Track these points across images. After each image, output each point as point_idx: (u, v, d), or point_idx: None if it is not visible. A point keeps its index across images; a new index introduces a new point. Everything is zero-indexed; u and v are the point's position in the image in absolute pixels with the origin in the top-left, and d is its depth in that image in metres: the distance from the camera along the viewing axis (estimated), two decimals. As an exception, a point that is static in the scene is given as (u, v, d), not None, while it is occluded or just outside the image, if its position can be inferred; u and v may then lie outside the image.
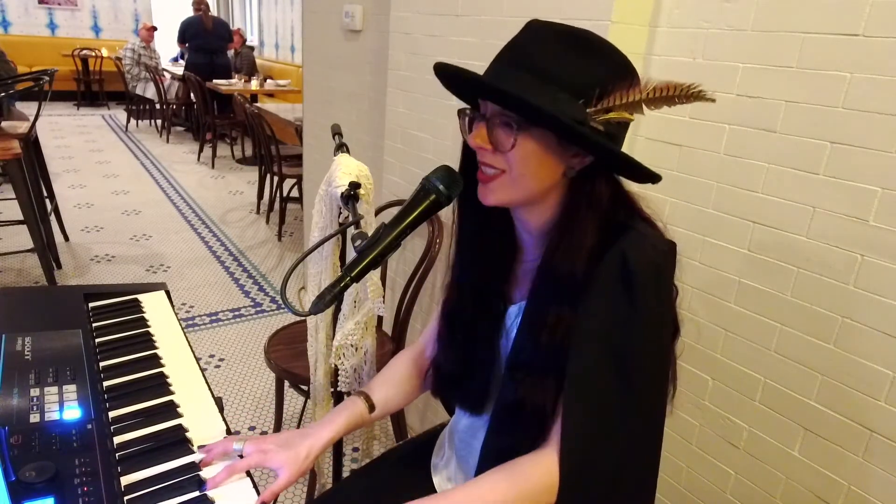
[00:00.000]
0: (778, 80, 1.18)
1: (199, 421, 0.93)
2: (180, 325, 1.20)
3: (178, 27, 6.81)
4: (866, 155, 1.07)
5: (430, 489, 1.05)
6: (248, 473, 0.84)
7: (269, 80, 6.72)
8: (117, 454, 0.82)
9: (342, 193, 1.04)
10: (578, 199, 0.77)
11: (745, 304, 1.30)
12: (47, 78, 2.77)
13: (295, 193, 4.12)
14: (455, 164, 0.85)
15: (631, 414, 0.77)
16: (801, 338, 1.21)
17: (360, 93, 2.40)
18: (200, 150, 6.21)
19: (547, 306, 0.79)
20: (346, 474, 1.20)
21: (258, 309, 3.08)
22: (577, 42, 0.74)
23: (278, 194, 4.10)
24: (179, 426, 0.90)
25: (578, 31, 0.74)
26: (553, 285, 0.78)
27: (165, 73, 7.20)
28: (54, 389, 0.91)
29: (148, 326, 1.17)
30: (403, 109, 1.99)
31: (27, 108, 3.33)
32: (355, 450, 2.13)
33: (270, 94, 6.73)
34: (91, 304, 1.23)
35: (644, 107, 0.74)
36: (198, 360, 1.10)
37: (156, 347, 1.11)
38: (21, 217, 2.80)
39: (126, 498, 0.76)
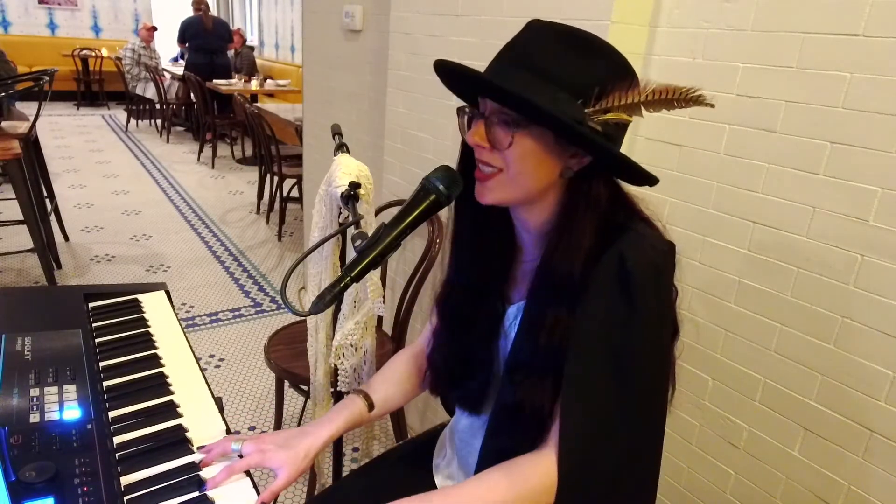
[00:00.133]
0: (778, 80, 1.18)
1: (199, 421, 0.93)
2: (180, 325, 1.20)
3: (178, 27, 6.81)
4: (866, 155, 1.07)
5: (431, 489, 1.04)
6: (248, 473, 0.84)
7: (269, 80, 6.72)
8: (117, 454, 0.82)
9: (342, 193, 1.04)
10: (576, 199, 0.77)
11: (745, 304, 1.30)
12: (47, 78, 2.77)
13: (295, 193, 4.12)
14: (454, 164, 0.85)
15: (630, 414, 0.77)
16: (801, 338, 1.21)
17: (360, 93, 2.40)
18: (200, 150, 6.21)
19: (546, 307, 0.79)
20: (345, 474, 1.20)
21: (258, 309, 3.08)
22: (577, 42, 0.74)
23: (278, 194, 4.10)
24: (179, 426, 0.90)
25: (578, 32, 0.74)
26: (552, 286, 0.78)
27: (165, 73, 7.20)
28: (54, 389, 0.91)
29: (148, 326, 1.17)
30: (403, 109, 1.99)
31: (27, 108, 3.33)
32: (355, 450, 2.13)
33: (270, 94, 6.73)
34: (91, 304, 1.22)
35: (643, 109, 0.74)
36: (198, 360, 1.10)
37: (156, 347, 1.11)
38: (21, 217, 2.80)
39: (126, 498, 0.76)
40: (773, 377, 1.27)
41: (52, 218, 3.47)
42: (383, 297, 1.23)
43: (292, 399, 2.34)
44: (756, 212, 1.25)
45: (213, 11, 8.04)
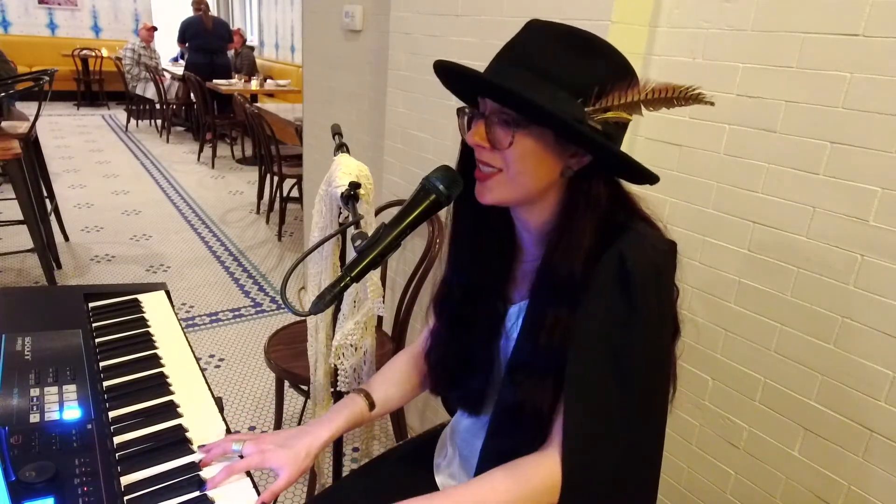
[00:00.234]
0: (778, 80, 1.18)
1: (199, 421, 0.93)
2: (180, 325, 1.20)
3: (178, 27, 6.81)
4: (866, 155, 1.07)
5: (431, 489, 1.04)
6: (248, 473, 0.84)
7: (269, 80, 6.72)
8: (117, 454, 0.82)
9: (342, 193, 1.04)
10: (576, 199, 0.77)
11: (745, 304, 1.30)
12: (47, 78, 2.77)
13: (295, 193, 4.12)
14: (455, 165, 0.85)
15: (631, 414, 0.77)
16: (801, 338, 1.21)
17: (360, 93, 2.40)
18: (200, 150, 6.21)
19: (548, 307, 0.79)
20: (345, 474, 1.20)
21: (258, 309, 3.08)
22: (576, 42, 0.74)
23: (278, 194, 4.10)
24: (179, 426, 0.90)
25: (578, 32, 0.74)
26: (553, 286, 0.78)
27: (165, 73, 7.20)
28: (54, 389, 0.91)
29: (148, 326, 1.17)
30: (403, 109, 1.99)
31: (27, 108, 3.33)
32: (355, 449, 2.13)
33: (270, 94, 6.73)
34: (91, 304, 1.23)
35: (642, 108, 0.74)
36: (198, 360, 1.10)
37: (156, 347, 1.11)
38: (21, 217, 2.80)
39: (126, 498, 0.76)
40: (773, 377, 1.27)
41: (52, 218, 3.47)
42: (383, 297, 1.23)
43: (292, 399, 2.34)
44: (756, 212, 1.25)
45: (213, 11, 8.04)
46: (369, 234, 0.82)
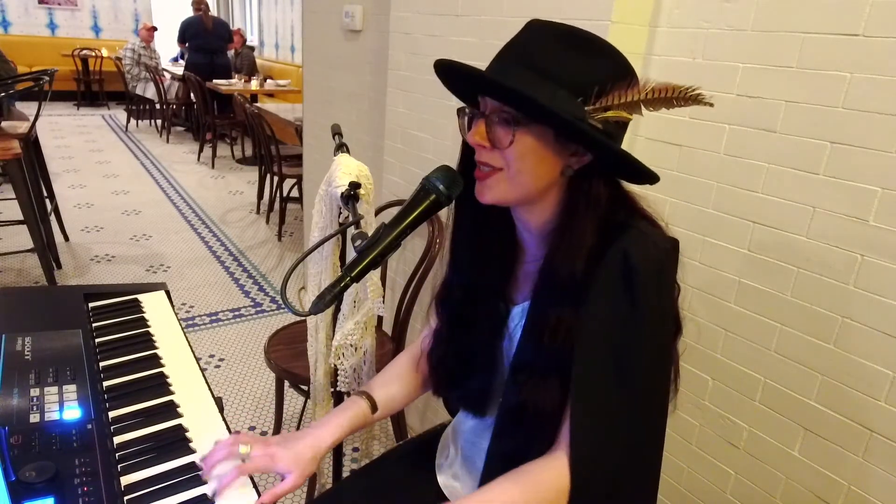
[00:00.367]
0: (778, 80, 1.18)
1: (199, 421, 0.93)
2: (180, 325, 1.20)
3: (178, 27, 6.81)
4: (866, 155, 1.07)
5: (431, 489, 1.05)
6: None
7: (269, 80, 6.72)
8: (117, 454, 0.82)
9: (342, 193, 1.04)
10: (577, 198, 0.77)
11: (745, 304, 1.30)
12: (47, 78, 2.77)
13: (295, 193, 4.12)
14: (455, 165, 0.85)
15: (637, 415, 0.77)
16: (801, 338, 1.21)
17: (360, 93, 2.40)
18: (200, 150, 6.21)
19: (550, 307, 0.79)
20: (346, 474, 1.20)
21: (258, 309, 3.08)
22: (577, 41, 0.74)
23: (278, 194, 4.10)
24: (179, 426, 0.90)
25: (578, 31, 0.75)
26: (555, 286, 0.78)
27: (165, 73, 7.20)
28: (54, 389, 0.91)
29: (148, 326, 1.17)
30: (403, 109, 1.99)
31: (27, 108, 3.33)
32: (355, 450, 2.13)
33: (270, 94, 6.73)
34: (91, 304, 1.22)
35: (642, 107, 0.74)
36: (198, 360, 1.10)
37: (156, 347, 1.11)
38: (21, 217, 2.80)
39: (126, 498, 0.76)
40: (773, 377, 1.27)
41: (52, 218, 3.47)
42: (383, 297, 1.23)
43: (292, 399, 2.34)
44: (756, 212, 1.25)
45: (213, 11, 8.05)
46: (369, 234, 0.82)
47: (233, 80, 6.53)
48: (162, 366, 1.05)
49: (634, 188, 0.82)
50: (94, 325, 1.15)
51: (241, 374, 2.51)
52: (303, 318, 1.52)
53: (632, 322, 0.74)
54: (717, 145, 1.29)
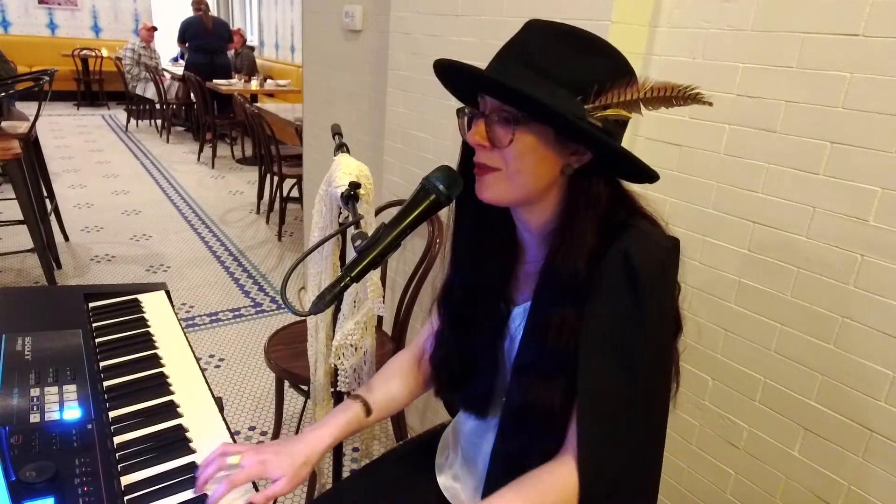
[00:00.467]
0: (778, 80, 1.18)
1: (199, 421, 0.93)
2: (180, 325, 1.20)
3: (178, 27, 6.81)
4: (866, 155, 1.07)
5: (431, 489, 1.05)
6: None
7: (269, 80, 6.72)
8: (117, 454, 0.82)
9: (342, 193, 1.04)
10: (577, 198, 0.77)
11: (745, 304, 1.30)
12: (47, 78, 2.77)
13: (295, 193, 4.12)
14: (455, 165, 0.85)
15: (641, 415, 0.77)
16: (801, 338, 1.21)
17: (360, 93, 2.40)
18: (200, 150, 6.21)
19: (552, 307, 0.78)
20: (346, 474, 1.20)
21: (258, 309, 3.08)
22: (576, 41, 0.74)
23: (278, 194, 4.10)
24: (179, 426, 0.90)
25: (577, 31, 0.75)
26: (557, 287, 0.78)
27: (165, 73, 7.20)
28: (54, 389, 0.91)
29: (148, 326, 1.17)
30: (403, 109, 1.99)
31: (27, 108, 3.33)
32: (355, 450, 2.13)
33: (270, 94, 6.73)
34: (91, 304, 1.23)
35: (642, 106, 0.74)
36: (198, 360, 1.10)
37: (156, 347, 1.11)
38: (21, 217, 2.80)
39: (126, 498, 0.76)
40: (773, 377, 1.27)
41: (52, 218, 3.47)
42: (383, 297, 1.23)
43: (292, 399, 2.34)
44: (756, 212, 1.25)
45: (213, 11, 8.05)
46: (369, 234, 0.82)
47: (233, 80, 6.53)
48: (162, 366, 1.05)
49: (634, 187, 0.82)
50: (94, 325, 1.15)
51: (241, 374, 2.51)
52: (303, 318, 1.53)
53: (636, 322, 0.74)
54: (717, 145, 1.29)
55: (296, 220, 4.36)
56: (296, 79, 6.94)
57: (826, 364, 1.18)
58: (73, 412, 0.86)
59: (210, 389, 1.01)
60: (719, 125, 1.28)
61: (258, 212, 4.59)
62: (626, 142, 0.80)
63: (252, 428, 2.19)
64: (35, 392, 0.90)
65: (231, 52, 7.29)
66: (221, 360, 2.60)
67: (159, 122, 7.44)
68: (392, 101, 2.04)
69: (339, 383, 1.29)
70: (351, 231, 0.88)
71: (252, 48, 8.18)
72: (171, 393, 0.98)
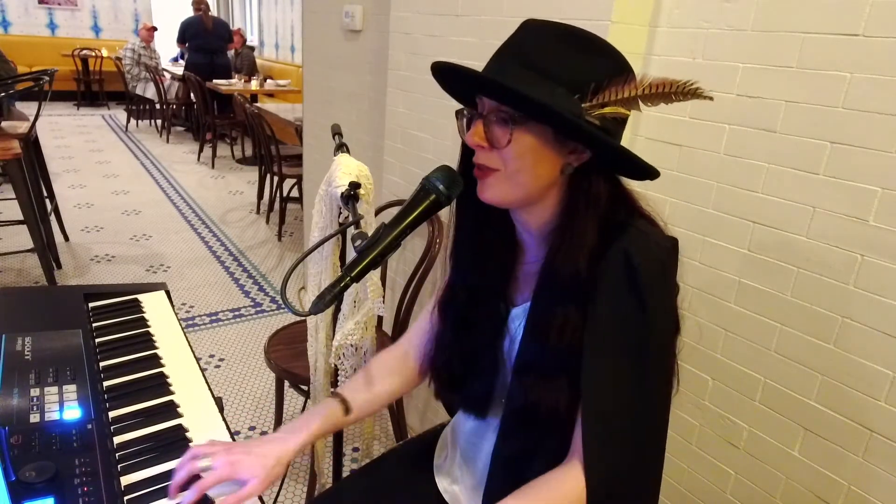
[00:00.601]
0: (778, 80, 1.18)
1: (199, 421, 0.93)
2: (180, 325, 1.20)
3: (178, 27, 6.81)
4: (866, 155, 1.07)
5: (431, 489, 1.05)
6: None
7: (269, 80, 6.72)
8: (117, 454, 0.82)
9: (342, 193, 1.04)
10: (577, 197, 0.77)
11: (745, 304, 1.30)
12: (47, 78, 2.77)
13: (295, 193, 4.12)
14: (455, 165, 0.85)
15: (645, 416, 0.77)
16: (801, 338, 1.21)
17: (360, 93, 2.40)
18: (200, 150, 6.21)
19: (552, 308, 0.78)
20: (346, 474, 1.20)
21: (258, 309, 3.08)
22: (573, 39, 0.74)
23: (278, 194, 4.10)
24: (179, 426, 0.90)
25: (574, 29, 0.75)
26: (557, 287, 0.78)
27: (165, 73, 7.20)
28: (54, 389, 0.91)
29: (148, 326, 1.17)
30: (403, 109, 1.99)
31: (27, 108, 3.33)
32: (355, 450, 2.13)
33: (270, 94, 6.73)
34: (91, 304, 1.22)
35: (640, 103, 0.74)
36: (198, 360, 1.10)
37: (156, 347, 1.11)
38: (21, 217, 2.80)
39: (126, 498, 0.76)
40: (773, 377, 1.27)
41: (52, 218, 3.47)
42: (383, 297, 1.23)
43: (292, 399, 2.34)
44: (756, 212, 1.25)
45: (213, 11, 8.04)
46: (369, 234, 0.82)
47: (233, 80, 6.53)
48: (162, 366, 1.05)
49: (635, 186, 0.82)
50: (94, 325, 1.15)
51: (241, 374, 2.51)
52: (303, 318, 1.53)
53: (637, 323, 0.74)
54: (717, 145, 1.29)
55: (296, 220, 4.36)
56: (296, 79, 6.94)
57: (826, 364, 1.18)
58: (72, 412, 0.86)
59: (210, 389, 1.01)
60: (719, 125, 1.28)
61: (258, 212, 4.59)
62: (626, 141, 0.80)
63: (252, 428, 2.19)
64: (35, 392, 0.90)
65: (231, 52, 7.29)
66: (221, 360, 2.60)
67: (159, 122, 7.44)
68: (392, 101, 2.04)
69: (339, 383, 1.29)
70: (351, 231, 0.88)
71: (252, 48, 8.18)
72: (171, 393, 0.98)
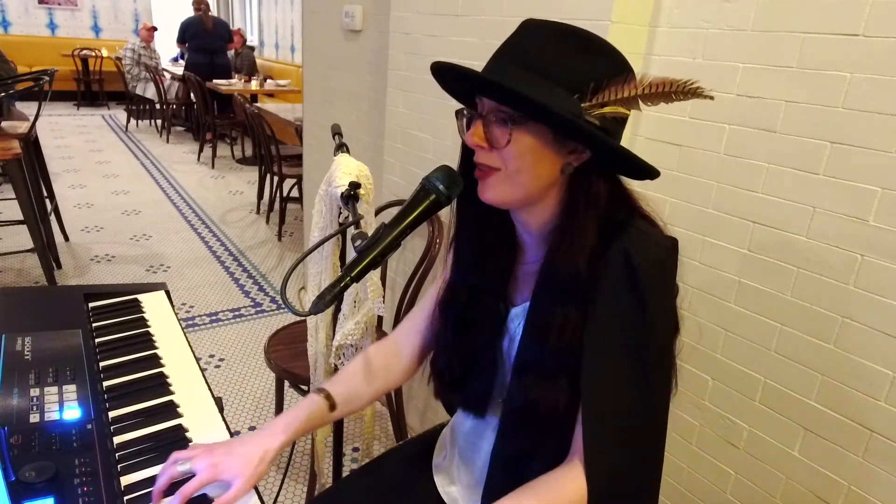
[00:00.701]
0: (778, 80, 1.18)
1: (199, 421, 0.93)
2: (180, 325, 1.20)
3: (178, 27, 6.81)
4: (866, 155, 1.07)
5: (431, 489, 1.05)
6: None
7: (269, 80, 6.72)
8: (117, 454, 0.82)
9: (342, 193, 1.04)
10: (577, 197, 0.77)
11: (745, 304, 1.30)
12: (47, 78, 2.77)
13: (295, 193, 4.12)
14: (455, 165, 0.85)
15: (644, 416, 0.77)
16: (801, 338, 1.21)
17: (360, 93, 2.40)
18: (200, 150, 6.21)
19: (552, 307, 0.78)
20: (346, 474, 1.20)
21: (258, 309, 3.08)
22: (573, 40, 0.74)
23: (278, 194, 4.10)
24: (179, 426, 0.90)
25: (574, 29, 0.75)
26: (557, 287, 0.78)
27: (165, 73, 7.20)
28: (54, 389, 0.91)
29: (148, 326, 1.17)
30: (403, 109, 1.99)
31: (27, 108, 3.33)
32: (355, 450, 2.13)
33: (270, 94, 6.73)
34: (91, 304, 1.22)
35: (640, 102, 0.74)
36: (198, 360, 1.10)
37: (156, 347, 1.11)
38: (21, 217, 2.80)
39: (126, 498, 0.76)
40: (773, 377, 1.27)
41: (52, 218, 3.47)
42: (383, 297, 1.23)
43: (292, 399, 2.34)
44: (756, 212, 1.25)
45: (213, 11, 8.04)
46: (369, 234, 0.82)
47: (233, 80, 6.53)
48: (162, 366, 1.05)
49: (635, 187, 0.82)
50: (94, 325, 1.15)
51: (241, 374, 2.51)
52: (303, 318, 1.53)
53: (637, 323, 0.74)
54: (717, 145, 1.29)
55: (296, 220, 4.36)
56: (296, 79, 6.94)
57: (826, 364, 1.18)
58: (72, 412, 0.86)
59: (210, 389, 1.01)
60: (719, 125, 1.28)
61: (258, 212, 4.59)
62: (626, 141, 0.80)
63: (252, 428, 2.19)
64: (35, 392, 0.90)
65: (231, 52, 7.29)
66: (221, 360, 2.60)
67: (159, 122, 7.44)
68: (392, 101, 2.04)
69: (339, 383, 1.29)
70: (351, 231, 0.88)
71: (252, 48, 8.18)
72: (171, 393, 0.98)
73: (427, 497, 1.04)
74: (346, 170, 1.13)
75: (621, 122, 0.76)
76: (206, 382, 1.03)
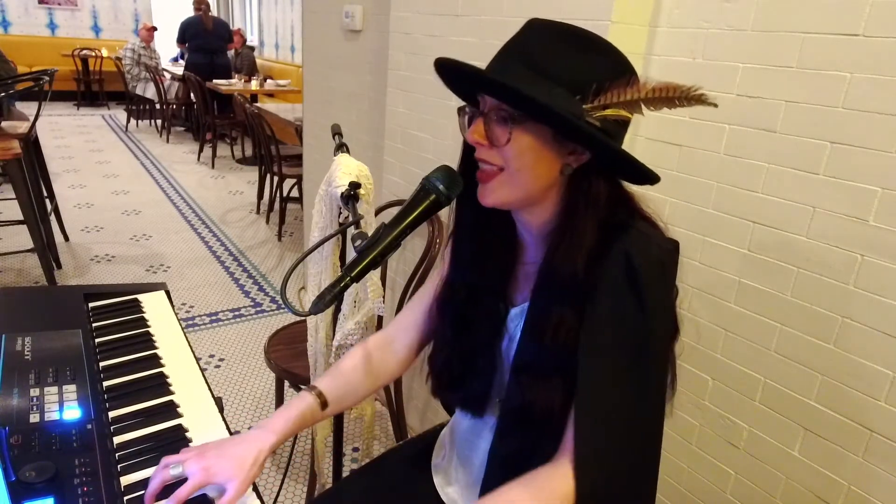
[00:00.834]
0: (778, 80, 1.18)
1: (199, 421, 0.93)
2: (180, 325, 1.20)
3: (178, 27, 6.81)
4: (866, 155, 1.07)
5: (431, 489, 1.05)
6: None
7: (269, 80, 6.72)
8: (117, 454, 0.82)
9: (342, 193, 1.04)
10: (577, 197, 0.77)
11: (745, 304, 1.30)
12: (47, 78, 2.77)
13: (295, 193, 4.12)
14: (455, 165, 0.85)
15: (639, 417, 0.77)
16: (801, 338, 1.21)
17: (360, 93, 2.40)
18: (200, 150, 6.21)
19: (551, 308, 0.78)
20: (346, 474, 1.20)
21: (258, 309, 3.08)
22: (576, 40, 0.74)
23: (278, 194, 4.10)
24: (179, 426, 0.90)
25: (578, 30, 0.75)
26: (556, 287, 0.78)
27: (165, 73, 7.20)
28: (54, 389, 0.91)
29: (148, 326, 1.17)
30: (403, 109, 1.99)
31: (27, 108, 3.33)
32: (355, 450, 2.13)
33: (270, 94, 6.73)
34: (91, 304, 1.22)
35: (643, 107, 0.74)
36: (198, 360, 1.10)
37: (156, 347, 1.11)
38: (21, 217, 2.80)
39: (126, 498, 0.76)
40: (773, 377, 1.27)
41: (52, 218, 3.47)
42: (383, 297, 1.23)
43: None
44: (756, 212, 1.25)
45: (213, 11, 8.04)
46: (369, 234, 0.82)
47: (233, 80, 6.53)
48: (162, 366, 1.05)
49: (635, 188, 0.82)
50: (94, 325, 1.15)
51: (241, 374, 2.51)
52: (303, 318, 1.53)
53: (636, 324, 0.74)
54: (717, 145, 1.29)
55: (296, 220, 4.36)
56: (296, 79, 6.94)
57: (826, 364, 1.18)
58: (72, 412, 0.86)
59: (210, 389, 1.01)
60: (719, 125, 1.28)
61: (258, 212, 4.59)
62: (627, 141, 0.80)
63: (252, 428, 2.19)
64: (35, 392, 0.90)
65: (231, 52, 7.29)
66: (221, 360, 2.60)
67: (159, 122, 7.44)
68: (392, 101, 2.04)
69: (339, 383, 1.29)
70: (351, 231, 0.88)
71: (252, 48, 8.18)
72: (171, 393, 0.98)
73: (427, 497, 1.04)
74: (346, 170, 1.13)
75: (623, 124, 0.76)
76: (206, 382, 1.03)
